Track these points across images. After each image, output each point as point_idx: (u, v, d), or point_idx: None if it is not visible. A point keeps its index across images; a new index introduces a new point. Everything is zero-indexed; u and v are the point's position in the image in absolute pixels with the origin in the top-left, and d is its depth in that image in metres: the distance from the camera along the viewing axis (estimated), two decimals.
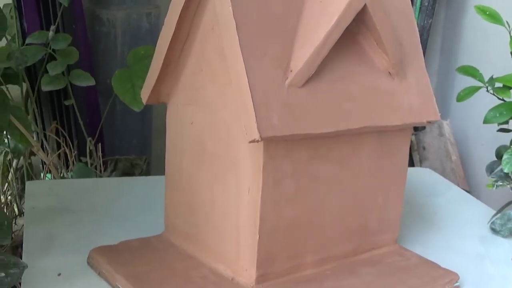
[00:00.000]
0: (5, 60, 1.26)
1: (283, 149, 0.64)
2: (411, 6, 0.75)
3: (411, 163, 1.87)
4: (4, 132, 1.20)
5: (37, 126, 1.50)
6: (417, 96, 0.73)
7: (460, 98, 0.97)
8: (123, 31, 1.58)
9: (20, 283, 0.68)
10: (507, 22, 0.94)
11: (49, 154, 1.47)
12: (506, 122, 0.95)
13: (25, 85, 1.45)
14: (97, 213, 0.87)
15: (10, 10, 1.45)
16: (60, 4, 1.40)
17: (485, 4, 0.96)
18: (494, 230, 0.91)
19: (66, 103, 1.49)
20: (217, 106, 0.67)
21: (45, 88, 1.37)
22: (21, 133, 0.96)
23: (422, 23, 1.85)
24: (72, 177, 1.36)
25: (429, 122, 0.74)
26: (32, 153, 1.43)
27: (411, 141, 1.94)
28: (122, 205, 0.90)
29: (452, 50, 1.93)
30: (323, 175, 0.68)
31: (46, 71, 1.35)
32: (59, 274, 0.71)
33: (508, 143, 0.98)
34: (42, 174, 1.49)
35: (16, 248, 1.21)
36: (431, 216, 0.95)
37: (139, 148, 1.68)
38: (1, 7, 1.16)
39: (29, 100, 1.49)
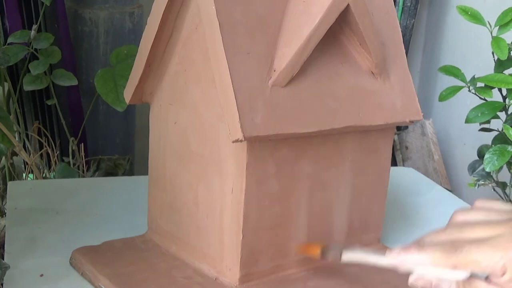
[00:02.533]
0: None
1: (267, 149, 0.64)
2: (393, 6, 0.75)
3: (394, 163, 1.88)
4: None
5: (19, 126, 1.50)
6: (400, 96, 0.73)
7: (442, 98, 0.97)
8: (106, 31, 1.58)
9: (2, 284, 0.67)
10: (488, 22, 0.95)
11: (31, 154, 1.46)
12: (488, 122, 0.96)
13: (7, 85, 1.44)
14: (80, 214, 0.86)
15: None
16: (42, 3, 1.39)
17: (466, 5, 0.97)
18: None
19: (49, 102, 1.49)
20: (201, 106, 0.67)
21: (27, 87, 1.36)
22: (3, 133, 0.95)
23: (405, 23, 1.86)
24: (54, 177, 1.36)
25: (412, 122, 0.74)
26: (14, 153, 1.42)
27: (394, 141, 1.95)
28: (105, 205, 0.90)
29: (434, 50, 1.94)
30: (306, 175, 0.68)
31: (28, 71, 1.34)
32: (42, 275, 0.70)
33: (489, 143, 0.99)
34: (24, 175, 1.49)
35: None
36: (413, 215, 0.95)
37: (122, 148, 1.68)
38: None
39: (11, 100, 1.48)
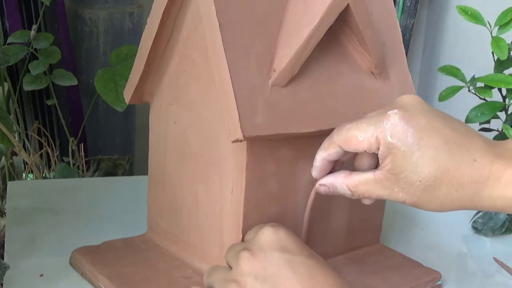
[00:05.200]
0: None
1: (267, 149, 0.64)
2: (393, 6, 0.75)
3: None
4: None
5: (19, 126, 1.50)
6: (400, 96, 0.73)
7: (442, 98, 0.97)
8: (106, 31, 1.58)
9: (2, 284, 0.67)
10: (488, 22, 0.95)
11: (31, 154, 1.46)
12: (488, 122, 0.96)
13: (6, 85, 1.44)
14: (79, 214, 0.86)
15: None
16: (42, 3, 1.39)
17: (466, 5, 0.97)
18: (476, 229, 0.92)
19: (48, 102, 1.49)
20: (200, 106, 0.67)
21: (27, 87, 1.36)
22: (3, 133, 0.95)
23: (405, 23, 1.86)
24: (54, 177, 1.36)
25: None
26: (14, 153, 1.42)
27: None
28: (105, 205, 0.90)
29: (434, 50, 1.94)
30: (306, 175, 0.68)
31: (28, 71, 1.34)
32: (41, 275, 0.70)
33: None
34: (24, 175, 1.48)
35: None
36: (413, 215, 0.95)
37: (122, 148, 1.68)
38: None
39: (10, 100, 1.48)
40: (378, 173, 0.59)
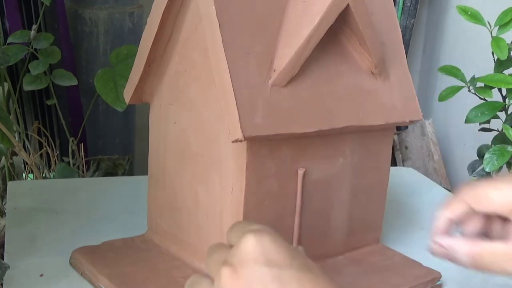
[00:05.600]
0: None
1: (267, 149, 0.64)
2: (393, 6, 0.75)
3: (394, 163, 1.88)
4: None
5: (19, 126, 1.50)
6: (400, 96, 0.73)
7: (442, 98, 0.97)
8: (106, 31, 1.58)
9: (2, 284, 0.67)
10: (488, 22, 0.95)
11: (31, 154, 1.46)
12: (488, 122, 0.96)
13: (6, 85, 1.44)
14: (79, 214, 0.86)
15: None
16: (42, 3, 1.39)
17: (466, 5, 0.97)
18: None
19: (48, 102, 1.49)
20: (200, 106, 0.67)
21: (27, 87, 1.36)
22: (3, 133, 0.95)
23: (405, 23, 1.86)
24: (54, 177, 1.36)
25: (412, 122, 0.74)
26: (14, 153, 1.42)
27: (394, 141, 1.95)
28: (105, 205, 0.90)
29: (434, 50, 1.94)
30: (306, 175, 0.68)
31: (28, 71, 1.34)
32: (42, 275, 0.70)
33: (489, 143, 0.99)
34: (24, 175, 1.49)
35: None
36: (413, 215, 0.95)
37: (122, 148, 1.68)
38: None
39: (11, 100, 1.48)
40: (509, 243, 0.53)
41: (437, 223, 0.57)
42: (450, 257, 0.56)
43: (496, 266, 0.54)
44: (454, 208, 0.56)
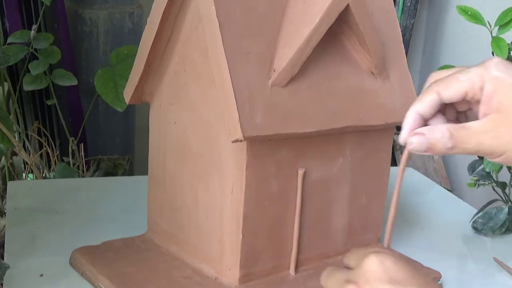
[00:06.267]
0: None
1: (267, 149, 0.64)
2: (393, 6, 0.75)
3: (394, 163, 1.88)
4: None
5: (19, 126, 1.50)
6: (400, 96, 0.73)
7: None
8: (106, 31, 1.58)
9: (2, 284, 0.67)
10: (488, 22, 0.95)
11: (31, 154, 1.46)
12: None
13: (6, 85, 1.44)
14: (79, 214, 0.86)
15: None
16: (42, 3, 1.39)
17: (466, 5, 0.97)
18: (476, 229, 0.92)
19: (48, 102, 1.49)
20: (201, 106, 0.67)
21: (27, 87, 1.36)
22: (3, 133, 0.95)
23: (405, 23, 1.86)
24: (54, 177, 1.36)
25: None
26: (14, 153, 1.42)
27: (394, 141, 1.95)
28: (105, 205, 0.90)
29: (434, 50, 1.94)
30: (306, 175, 0.68)
31: (28, 71, 1.34)
32: (42, 275, 0.70)
33: None
34: (24, 174, 1.48)
35: None
36: (414, 216, 0.95)
37: (122, 148, 1.68)
38: None
39: (11, 100, 1.48)
40: (482, 118, 0.54)
41: (407, 120, 0.56)
42: (430, 142, 0.55)
43: (473, 140, 0.54)
44: (424, 100, 0.55)
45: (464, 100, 0.56)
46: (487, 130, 0.54)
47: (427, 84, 0.57)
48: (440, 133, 0.54)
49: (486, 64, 0.55)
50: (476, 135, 0.54)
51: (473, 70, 0.55)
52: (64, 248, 0.74)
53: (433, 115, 0.56)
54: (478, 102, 0.55)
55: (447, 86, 0.55)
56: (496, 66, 0.54)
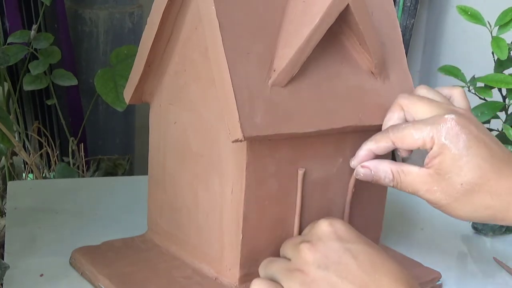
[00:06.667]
0: None
1: (267, 149, 0.64)
2: (393, 6, 0.75)
3: None
4: None
5: (19, 126, 1.50)
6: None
7: None
8: (106, 31, 1.58)
9: (2, 284, 0.67)
10: (488, 22, 0.95)
11: (31, 154, 1.46)
12: (488, 122, 0.96)
13: (6, 85, 1.44)
14: (79, 214, 0.86)
15: None
16: (42, 3, 1.39)
17: (466, 5, 0.97)
18: (476, 229, 0.92)
19: (48, 102, 1.49)
20: (201, 106, 0.67)
21: (27, 87, 1.36)
22: (3, 133, 0.95)
23: (405, 23, 1.86)
24: (54, 177, 1.36)
25: None
26: (14, 153, 1.42)
27: None
28: (105, 205, 0.90)
29: (434, 50, 1.94)
30: (306, 175, 0.68)
31: (28, 71, 1.34)
32: (42, 275, 0.70)
33: None
34: (24, 174, 1.49)
35: None
36: (414, 216, 0.95)
37: (122, 148, 1.68)
38: None
39: (11, 100, 1.48)
40: (424, 170, 0.63)
41: (360, 152, 0.66)
42: (375, 177, 0.65)
43: (411, 184, 0.63)
44: (379, 142, 0.65)
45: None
46: (424, 183, 0.63)
47: (385, 123, 0.67)
48: (384, 173, 0.64)
49: (440, 126, 0.61)
50: (414, 183, 0.63)
51: (426, 128, 0.62)
52: (64, 248, 0.74)
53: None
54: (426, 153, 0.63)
55: (402, 140, 0.63)
56: (447, 133, 0.61)
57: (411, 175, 0.63)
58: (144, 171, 0.81)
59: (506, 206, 0.61)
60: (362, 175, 0.65)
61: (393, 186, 0.64)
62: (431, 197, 0.63)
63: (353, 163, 0.66)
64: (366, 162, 0.65)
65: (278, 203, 0.67)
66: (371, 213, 0.77)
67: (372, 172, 0.65)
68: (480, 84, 0.95)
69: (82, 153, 1.49)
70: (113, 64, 1.31)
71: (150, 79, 0.72)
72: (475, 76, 0.96)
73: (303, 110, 0.64)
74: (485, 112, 0.93)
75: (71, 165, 1.46)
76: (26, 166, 1.41)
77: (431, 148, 0.61)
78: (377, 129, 0.72)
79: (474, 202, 0.62)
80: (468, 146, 0.61)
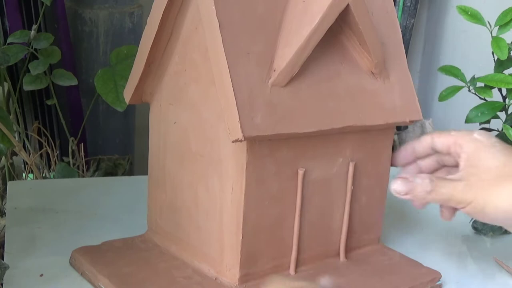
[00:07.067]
0: None
1: (267, 149, 0.64)
2: (393, 6, 0.75)
3: None
4: None
5: (19, 126, 1.50)
6: (400, 96, 0.73)
7: (442, 98, 0.97)
8: (106, 31, 1.58)
9: (2, 284, 0.67)
10: (488, 22, 0.95)
11: (31, 154, 1.46)
12: (488, 122, 0.96)
13: (6, 85, 1.44)
14: (79, 213, 0.86)
15: None
16: (42, 3, 1.39)
17: (466, 5, 0.97)
18: (476, 229, 0.92)
19: (48, 102, 1.49)
20: (201, 106, 0.67)
21: (27, 87, 1.36)
22: (3, 133, 0.95)
23: (405, 23, 1.86)
24: (54, 177, 1.36)
25: (412, 121, 0.74)
26: (14, 153, 1.42)
27: (394, 141, 1.95)
28: (105, 205, 0.90)
29: (434, 50, 1.94)
30: (306, 175, 0.68)
31: (28, 71, 1.34)
32: (42, 275, 0.70)
33: None
34: (24, 174, 1.48)
35: None
36: (414, 215, 0.95)
37: (122, 148, 1.68)
38: None
39: (10, 100, 1.48)
40: (460, 172, 0.65)
41: (403, 149, 0.72)
42: (411, 187, 0.65)
43: (450, 186, 0.64)
44: (420, 140, 0.71)
45: (447, 153, 0.69)
46: (461, 179, 0.64)
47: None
48: (420, 178, 0.65)
49: (472, 131, 0.68)
50: (452, 182, 0.64)
51: (462, 131, 0.68)
52: (64, 248, 0.74)
53: (423, 158, 0.72)
54: (458, 157, 0.67)
55: (440, 134, 0.70)
56: (478, 132, 0.67)
57: (446, 179, 0.65)
58: (144, 171, 0.81)
59: None
60: (399, 184, 0.65)
61: (430, 192, 0.64)
62: (470, 190, 0.63)
63: (394, 154, 0.73)
64: (405, 174, 0.66)
65: (278, 203, 0.67)
66: (371, 213, 0.77)
67: (410, 180, 0.65)
68: (480, 84, 0.95)
69: (82, 153, 1.49)
70: (113, 64, 1.31)
71: (150, 79, 0.72)
72: (475, 76, 0.96)
73: (303, 110, 0.64)
74: (485, 112, 0.93)
75: (71, 165, 1.46)
76: (26, 166, 1.41)
77: (461, 147, 0.66)
78: (377, 129, 0.72)
79: (506, 192, 0.62)
80: (500, 141, 0.65)
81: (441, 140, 0.69)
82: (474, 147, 0.65)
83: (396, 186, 0.65)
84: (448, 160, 0.70)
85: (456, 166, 0.68)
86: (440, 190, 0.64)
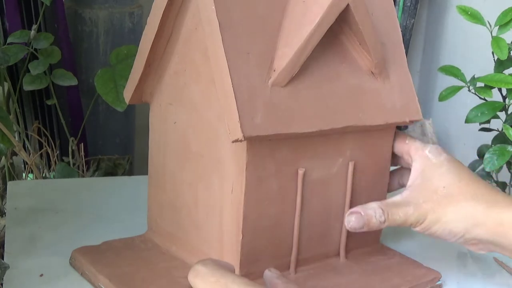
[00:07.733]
0: None
1: (267, 149, 0.64)
2: (393, 6, 0.75)
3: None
4: None
5: (19, 126, 1.50)
6: (400, 96, 0.73)
7: (442, 98, 0.97)
8: (106, 31, 1.58)
9: (2, 284, 0.67)
10: (488, 22, 0.95)
11: (31, 154, 1.46)
12: (488, 122, 0.96)
13: (6, 85, 1.44)
14: (79, 213, 0.86)
15: None
16: (42, 3, 1.39)
17: (466, 5, 0.97)
18: None
19: (48, 102, 1.49)
20: (201, 106, 0.67)
21: (27, 87, 1.36)
22: (3, 133, 0.95)
23: (405, 23, 1.86)
24: (54, 177, 1.36)
25: (412, 122, 0.74)
26: (14, 153, 1.42)
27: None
28: (105, 205, 0.90)
29: (434, 50, 1.94)
30: (306, 175, 0.68)
31: (28, 71, 1.34)
32: (42, 275, 0.70)
33: (489, 142, 0.99)
34: (24, 174, 1.49)
35: None
36: None
37: (122, 148, 1.68)
38: None
39: (11, 100, 1.48)
40: (404, 192, 0.69)
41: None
42: (366, 221, 0.66)
43: (399, 212, 0.67)
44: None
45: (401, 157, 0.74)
46: (410, 202, 0.68)
47: None
48: (372, 210, 0.66)
49: (425, 145, 0.71)
50: (403, 208, 0.67)
51: (416, 142, 0.72)
52: (64, 248, 0.74)
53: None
54: (409, 166, 0.71)
55: (396, 138, 0.74)
56: (430, 149, 0.70)
57: (397, 201, 0.68)
58: (144, 171, 0.81)
59: (485, 209, 0.66)
60: (354, 221, 0.67)
61: (384, 221, 0.67)
62: (421, 211, 0.67)
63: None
64: (353, 208, 0.68)
65: (278, 203, 0.67)
66: None
67: (362, 214, 0.66)
68: (480, 84, 0.95)
69: (82, 153, 1.49)
70: (113, 64, 1.31)
71: (150, 79, 0.72)
72: (475, 76, 0.96)
73: (303, 110, 0.64)
74: (485, 112, 0.93)
75: (71, 165, 1.46)
76: (26, 166, 1.41)
77: (413, 160, 0.70)
78: (377, 129, 0.72)
79: (458, 211, 0.67)
80: (449, 159, 0.69)
81: (395, 145, 0.73)
82: (424, 165, 0.69)
83: (352, 224, 0.66)
84: (402, 162, 0.75)
85: (409, 168, 0.72)
86: (393, 217, 0.67)
